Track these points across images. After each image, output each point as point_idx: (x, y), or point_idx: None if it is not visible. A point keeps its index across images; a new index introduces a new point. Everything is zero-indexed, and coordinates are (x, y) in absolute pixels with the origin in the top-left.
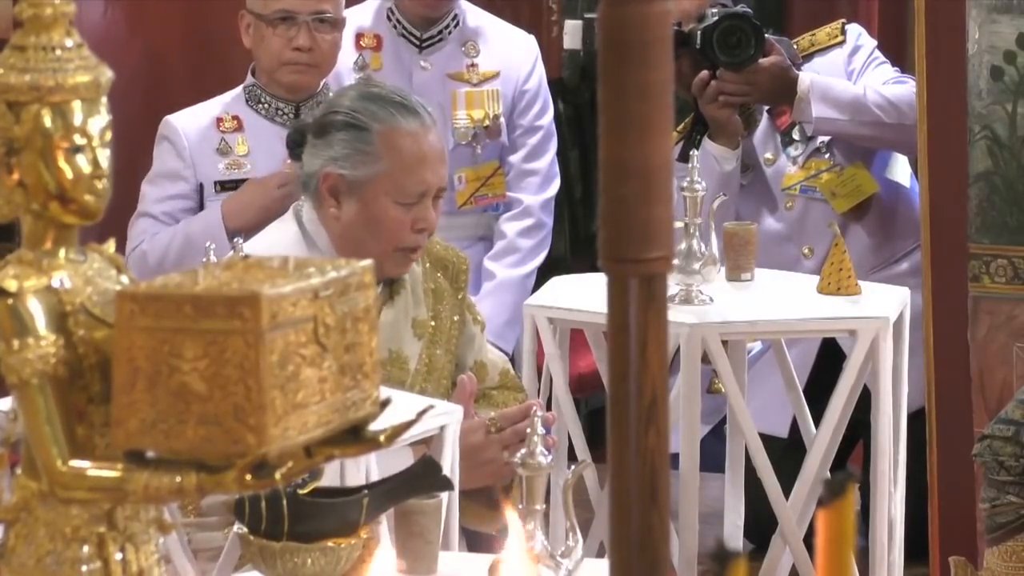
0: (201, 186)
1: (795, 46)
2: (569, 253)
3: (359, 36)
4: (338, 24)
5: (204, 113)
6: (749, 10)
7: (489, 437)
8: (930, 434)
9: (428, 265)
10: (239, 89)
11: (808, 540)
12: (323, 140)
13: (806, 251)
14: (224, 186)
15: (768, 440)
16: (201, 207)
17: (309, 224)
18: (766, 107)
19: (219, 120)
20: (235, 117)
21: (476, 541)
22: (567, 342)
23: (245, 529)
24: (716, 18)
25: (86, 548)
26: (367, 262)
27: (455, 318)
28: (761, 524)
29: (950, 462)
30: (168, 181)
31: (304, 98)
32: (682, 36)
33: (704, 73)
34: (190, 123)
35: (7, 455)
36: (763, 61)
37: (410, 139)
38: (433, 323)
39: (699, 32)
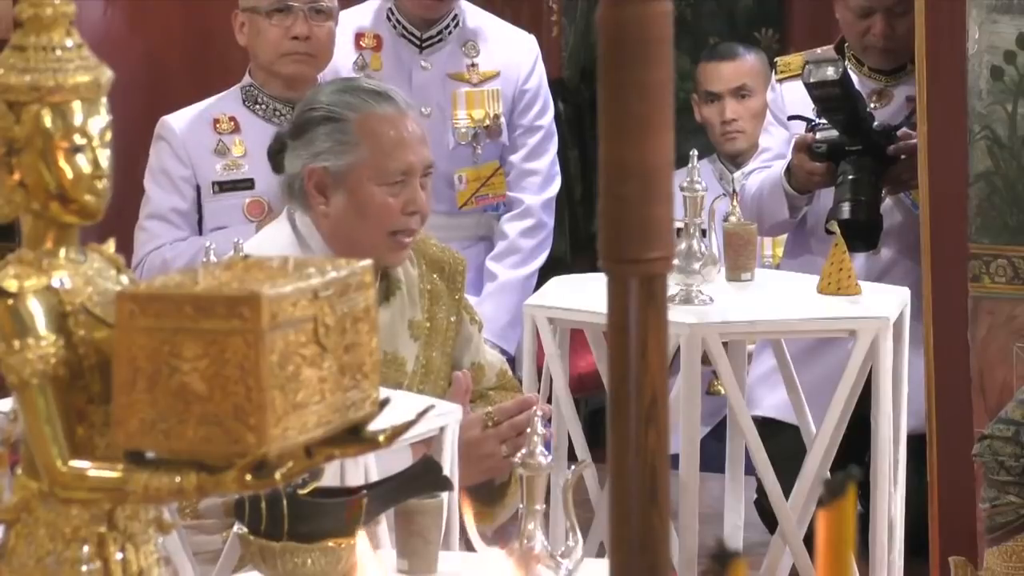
0: (198, 187)
1: (776, 63)
2: (569, 253)
3: (359, 36)
4: (332, 14)
5: (200, 113)
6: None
7: (486, 431)
8: (930, 434)
9: (424, 267)
10: (235, 89)
11: (808, 540)
12: (302, 139)
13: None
14: (222, 187)
15: (779, 427)
16: (199, 208)
17: (302, 227)
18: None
19: (216, 121)
20: (232, 118)
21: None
22: (567, 342)
23: (245, 529)
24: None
25: (86, 548)
26: (367, 262)
27: (451, 319)
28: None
29: (950, 462)
30: (171, 180)
31: (301, 97)
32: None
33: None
34: (186, 124)
35: (7, 455)
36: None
37: (387, 123)
38: (428, 324)
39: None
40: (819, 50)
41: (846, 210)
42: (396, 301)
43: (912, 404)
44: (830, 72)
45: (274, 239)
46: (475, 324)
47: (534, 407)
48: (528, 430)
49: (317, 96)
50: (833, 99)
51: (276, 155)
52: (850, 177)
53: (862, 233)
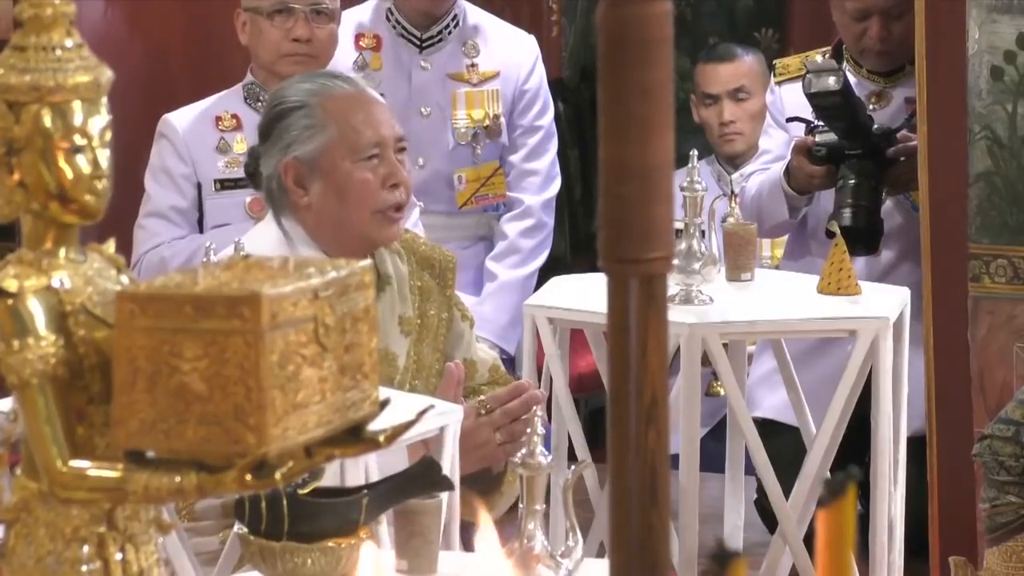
0: (199, 184)
1: (775, 66)
2: (569, 253)
3: (359, 36)
4: (334, 16)
5: (202, 111)
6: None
7: (479, 420)
8: (930, 434)
9: (415, 264)
10: (238, 87)
11: (808, 540)
12: (271, 138)
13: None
14: (224, 184)
15: (779, 428)
16: (200, 206)
17: (288, 226)
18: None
19: (218, 118)
20: (234, 116)
21: (469, 539)
22: (567, 342)
23: (245, 529)
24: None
25: (86, 548)
26: (366, 262)
27: (443, 316)
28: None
29: (950, 462)
30: (171, 178)
31: None
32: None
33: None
34: (188, 121)
35: (7, 455)
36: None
37: (349, 99)
38: (419, 321)
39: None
40: (818, 57)
41: (847, 216)
42: (385, 297)
43: (912, 405)
44: (831, 82)
45: (262, 237)
46: (466, 321)
47: (531, 401)
48: (529, 429)
49: (277, 94)
50: (834, 108)
51: (252, 169)
52: (851, 182)
53: (863, 238)
